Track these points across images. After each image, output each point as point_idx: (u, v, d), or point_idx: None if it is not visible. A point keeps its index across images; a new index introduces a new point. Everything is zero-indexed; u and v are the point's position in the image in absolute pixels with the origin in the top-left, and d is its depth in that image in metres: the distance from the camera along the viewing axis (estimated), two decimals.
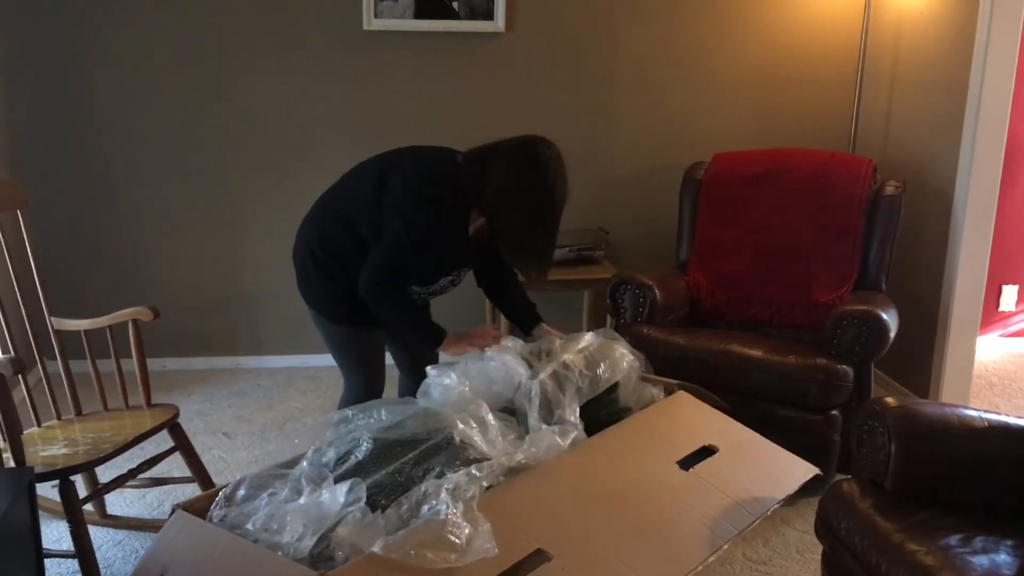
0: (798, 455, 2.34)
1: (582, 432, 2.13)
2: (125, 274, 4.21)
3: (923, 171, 3.84)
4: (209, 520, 1.82)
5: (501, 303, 2.81)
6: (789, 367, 3.04)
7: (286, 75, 4.07)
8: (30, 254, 2.77)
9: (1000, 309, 4.74)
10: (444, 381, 2.17)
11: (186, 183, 4.15)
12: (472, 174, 2.39)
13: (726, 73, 4.28)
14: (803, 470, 2.27)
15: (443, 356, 2.56)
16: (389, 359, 2.85)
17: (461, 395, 2.14)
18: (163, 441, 2.76)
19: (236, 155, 4.15)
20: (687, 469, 2.10)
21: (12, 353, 2.63)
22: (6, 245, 2.71)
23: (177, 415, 2.73)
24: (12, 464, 2.28)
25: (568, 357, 2.26)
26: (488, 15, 4.06)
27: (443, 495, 1.74)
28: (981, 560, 1.89)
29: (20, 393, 2.72)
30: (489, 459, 1.91)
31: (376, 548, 1.62)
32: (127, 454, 2.59)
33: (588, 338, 2.39)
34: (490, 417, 2.04)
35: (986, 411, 2.23)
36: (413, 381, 2.83)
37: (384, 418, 2.02)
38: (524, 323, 2.72)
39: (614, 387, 2.31)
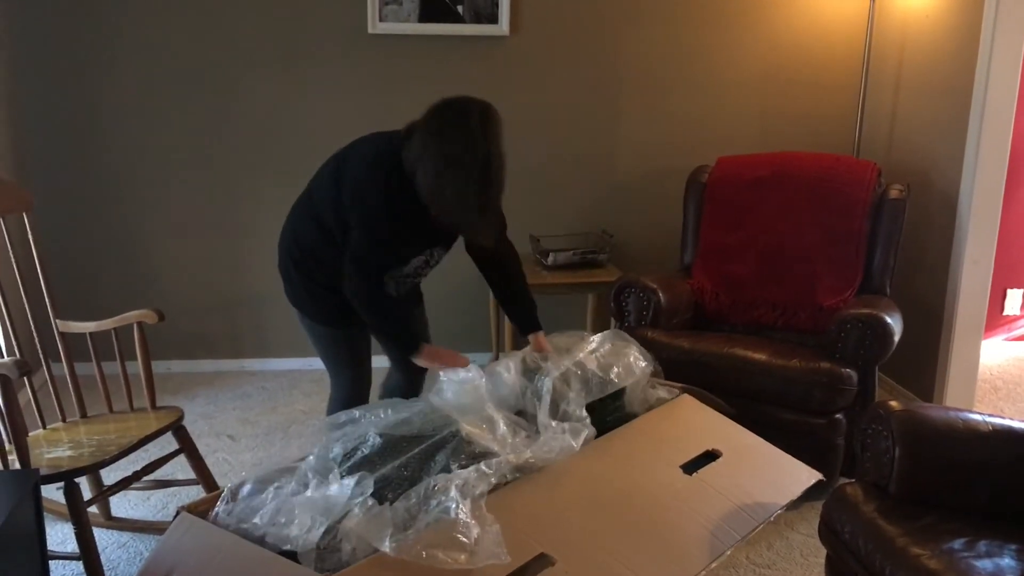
0: (802, 458, 2.34)
1: (592, 429, 2.14)
2: (130, 277, 4.22)
3: (927, 175, 3.84)
4: (214, 516, 1.83)
5: (502, 298, 2.76)
6: (793, 370, 3.04)
7: (291, 79, 4.09)
8: (35, 256, 2.78)
9: (1005, 313, 4.74)
10: (458, 380, 2.18)
11: (191, 186, 4.16)
12: (406, 150, 2.34)
13: (730, 76, 4.28)
14: (806, 475, 2.27)
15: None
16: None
17: (474, 395, 2.15)
18: (168, 443, 2.77)
19: (241, 158, 4.15)
20: (691, 473, 2.10)
21: (17, 355, 2.64)
22: (12, 247, 2.72)
23: (182, 417, 2.74)
24: (17, 466, 2.29)
25: (581, 356, 2.27)
26: (493, 19, 4.06)
27: (452, 491, 1.75)
28: (985, 564, 1.89)
29: (25, 395, 2.72)
30: (497, 455, 1.92)
31: (385, 547, 1.63)
32: (132, 456, 2.59)
33: (599, 339, 2.39)
34: (499, 415, 2.05)
35: (990, 415, 2.23)
36: (402, 375, 2.91)
37: (391, 416, 2.03)
38: (521, 325, 2.69)
39: (621, 391, 2.32)
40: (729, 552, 1.92)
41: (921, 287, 3.88)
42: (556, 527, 1.82)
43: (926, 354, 3.83)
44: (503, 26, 4.07)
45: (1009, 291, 4.69)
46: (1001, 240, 3.67)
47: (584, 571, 1.74)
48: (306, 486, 1.81)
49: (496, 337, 4.28)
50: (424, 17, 4.02)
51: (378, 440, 1.93)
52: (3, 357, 2.78)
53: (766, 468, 2.26)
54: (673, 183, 4.04)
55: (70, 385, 2.79)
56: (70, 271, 4.13)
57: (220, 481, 2.92)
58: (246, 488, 1.86)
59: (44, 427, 2.70)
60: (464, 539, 1.66)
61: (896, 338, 3.06)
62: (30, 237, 2.76)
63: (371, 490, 1.77)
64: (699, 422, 2.37)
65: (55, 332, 2.81)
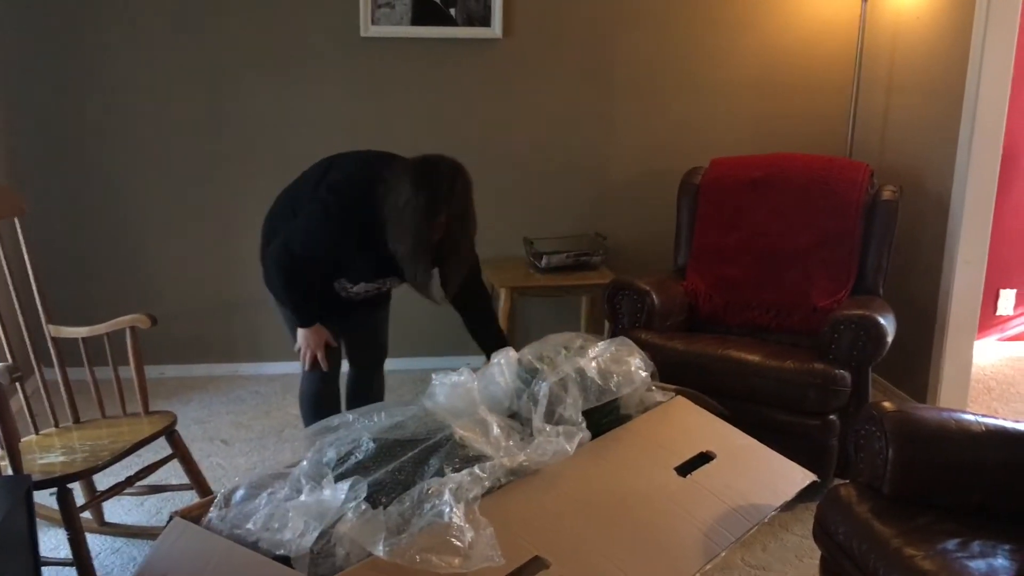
0: (796, 459, 2.34)
1: (587, 432, 2.13)
2: (123, 281, 4.21)
3: (920, 176, 3.85)
4: (207, 522, 1.82)
5: (472, 328, 2.90)
6: (787, 372, 3.04)
7: (284, 82, 4.08)
8: (28, 262, 2.77)
9: (998, 313, 4.75)
10: (450, 383, 2.18)
11: (184, 190, 4.15)
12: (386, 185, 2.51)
13: (723, 78, 4.29)
14: (800, 477, 2.27)
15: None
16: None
17: (467, 398, 2.15)
18: (161, 448, 2.76)
19: (234, 161, 4.15)
20: (685, 475, 2.11)
21: (10, 361, 2.63)
22: (4, 253, 2.71)
23: (175, 422, 2.73)
24: (10, 472, 2.28)
25: (582, 363, 2.26)
26: (485, 21, 4.07)
27: (446, 495, 1.75)
28: (979, 564, 1.89)
29: (18, 401, 2.72)
30: (491, 459, 1.91)
31: (379, 551, 1.63)
32: (125, 461, 2.59)
33: (602, 346, 2.38)
34: (492, 419, 2.05)
35: (984, 415, 2.24)
36: (356, 372, 3.10)
37: (384, 419, 2.03)
38: (484, 340, 2.84)
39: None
40: (723, 554, 1.92)
41: (914, 288, 3.89)
42: (550, 530, 1.82)
43: (920, 355, 3.83)
44: (496, 29, 4.07)
45: (1002, 291, 4.71)
46: (994, 240, 3.68)
47: (578, 574, 1.74)
48: (299, 491, 1.81)
49: None
50: (417, 20, 4.02)
51: (371, 444, 1.93)
52: None
53: (760, 469, 2.26)
54: (666, 185, 4.04)
55: (63, 390, 2.78)
56: (62, 276, 4.12)
57: (214, 486, 2.92)
58: (239, 493, 1.86)
59: (37, 433, 2.69)
60: (458, 543, 1.65)
61: (889, 339, 3.06)
62: (22, 242, 2.75)
63: (365, 494, 1.76)
64: (693, 424, 2.37)
65: (47, 337, 2.80)
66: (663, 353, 3.17)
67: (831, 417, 3.04)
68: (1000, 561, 1.91)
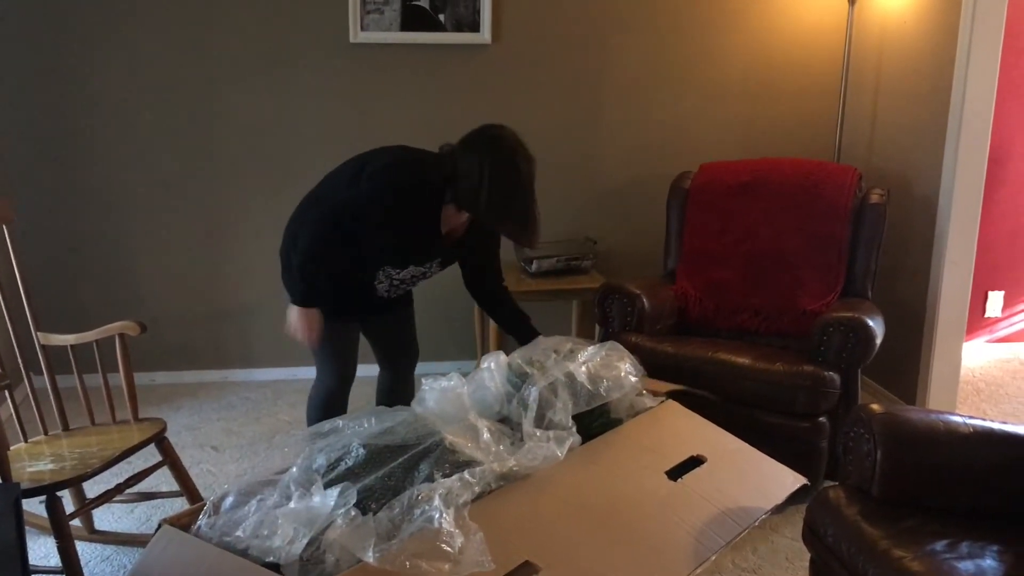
0: (785, 462, 2.35)
1: (578, 438, 2.14)
2: (112, 288, 4.20)
3: (908, 179, 3.87)
4: (196, 529, 1.82)
5: (495, 314, 2.93)
6: (776, 374, 3.05)
7: (273, 88, 4.08)
8: (16, 268, 2.76)
9: (986, 315, 4.77)
10: (440, 389, 2.18)
11: (173, 197, 4.15)
12: (446, 169, 2.49)
13: (712, 83, 4.31)
14: (790, 480, 2.28)
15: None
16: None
17: (457, 403, 2.15)
18: (151, 455, 2.76)
19: (224, 168, 4.14)
20: (675, 479, 2.11)
21: None
22: None
23: (165, 429, 2.73)
24: None
25: (571, 367, 2.26)
26: (474, 27, 4.07)
27: (436, 500, 1.75)
28: (967, 565, 1.90)
29: (7, 409, 2.71)
30: (481, 464, 1.91)
31: (369, 557, 1.62)
32: (115, 469, 2.58)
33: (592, 350, 2.38)
34: (482, 424, 2.05)
35: (972, 417, 2.25)
36: (389, 372, 3.02)
37: (374, 425, 2.03)
38: (520, 336, 2.81)
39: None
40: (714, 557, 1.93)
41: (903, 290, 3.90)
42: (540, 535, 1.82)
43: (908, 357, 3.85)
44: (485, 34, 4.08)
45: (990, 293, 4.73)
46: (981, 242, 3.70)
47: None
48: (289, 498, 1.80)
49: (480, 344, 4.28)
50: (406, 26, 4.02)
51: (361, 451, 1.92)
52: None
53: (750, 473, 2.27)
54: (656, 189, 4.06)
55: (52, 398, 2.77)
56: (51, 283, 4.11)
57: (204, 493, 2.91)
58: (228, 501, 1.86)
59: (26, 440, 2.68)
60: (448, 548, 1.65)
61: (878, 341, 3.08)
62: (10, 249, 2.74)
63: (354, 500, 1.76)
64: (683, 428, 2.37)
65: (36, 345, 2.79)
66: (653, 356, 3.19)
67: (821, 419, 3.05)
68: (988, 562, 1.92)
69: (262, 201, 4.18)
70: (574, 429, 2.15)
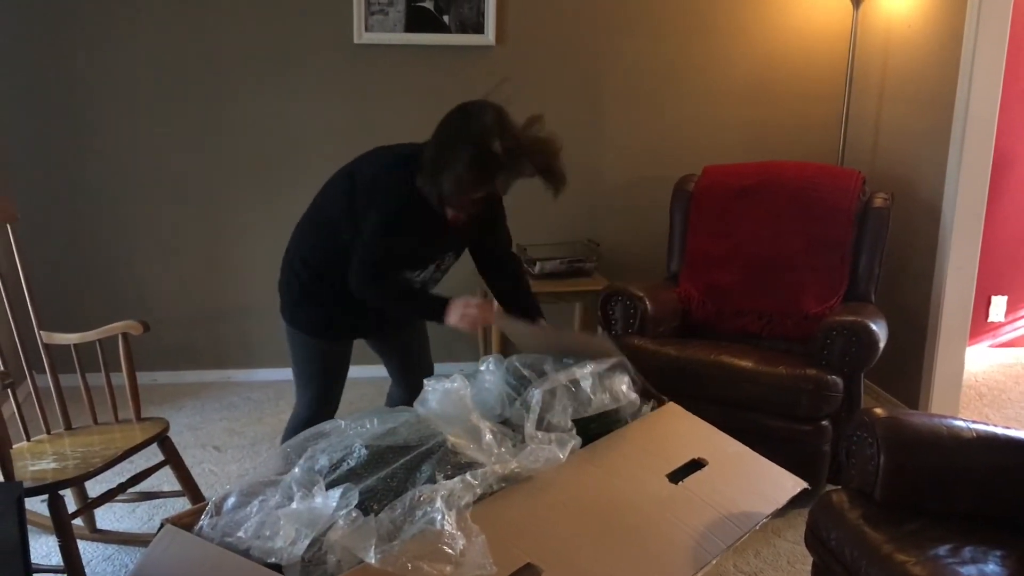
0: (788, 465, 2.34)
1: (578, 440, 2.13)
2: (115, 288, 4.21)
3: (912, 183, 3.86)
4: (199, 530, 1.81)
5: (505, 298, 2.72)
6: (779, 377, 3.05)
7: (277, 89, 4.08)
8: (19, 268, 2.76)
9: (989, 320, 4.77)
10: (442, 390, 2.17)
11: (177, 196, 4.15)
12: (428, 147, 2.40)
13: (716, 86, 4.31)
14: (791, 484, 2.27)
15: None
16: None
17: (459, 404, 2.15)
18: (153, 455, 2.76)
19: (227, 169, 4.15)
20: (677, 482, 2.10)
21: (1, 367, 2.63)
22: None
23: (167, 429, 2.73)
24: (1, 479, 2.27)
25: (577, 374, 2.25)
26: (478, 28, 4.08)
27: (438, 502, 1.74)
28: (970, 570, 1.90)
29: (9, 408, 2.71)
30: (483, 466, 1.91)
31: (371, 558, 1.62)
32: (117, 468, 2.58)
33: (592, 367, 2.36)
34: (484, 425, 2.05)
35: (975, 421, 2.24)
36: (404, 390, 2.88)
37: (376, 426, 2.03)
38: (519, 308, 2.67)
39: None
40: (715, 561, 1.92)
41: (906, 294, 3.90)
42: (542, 537, 1.82)
43: (911, 361, 3.85)
44: (489, 36, 4.08)
45: (994, 298, 4.72)
46: (985, 247, 3.70)
47: None
48: (291, 498, 1.80)
49: (483, 344, 4.28)
50: (410, 27, 4.03)
51: (364, 451, 1.92)
52: None
53: (751, 477, 2.26)
54: (659, 192, 4.05)
55: (54, 397, 2.77)
56: (54, 282, 4.11)
57: (206, 492, 2.91)
58: (230, 501, 1.85)
59: (28, 439, 2.69)
60: (449, 550, 1.65)
61: (881, 345, 3.07)
62: (14, 248, 2.75)
63: (356, 501, 1.76)
64: (685, 431, 2.37)
65: (39, 344, 2.80)
66: (656, 359, 3.19)
67: (823, 423, 3.05)
68: (991, 567, 1.92)
69: (266, 201, 4.19)
70: (574, 431, 2.15)
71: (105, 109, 4.02)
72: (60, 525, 2.37)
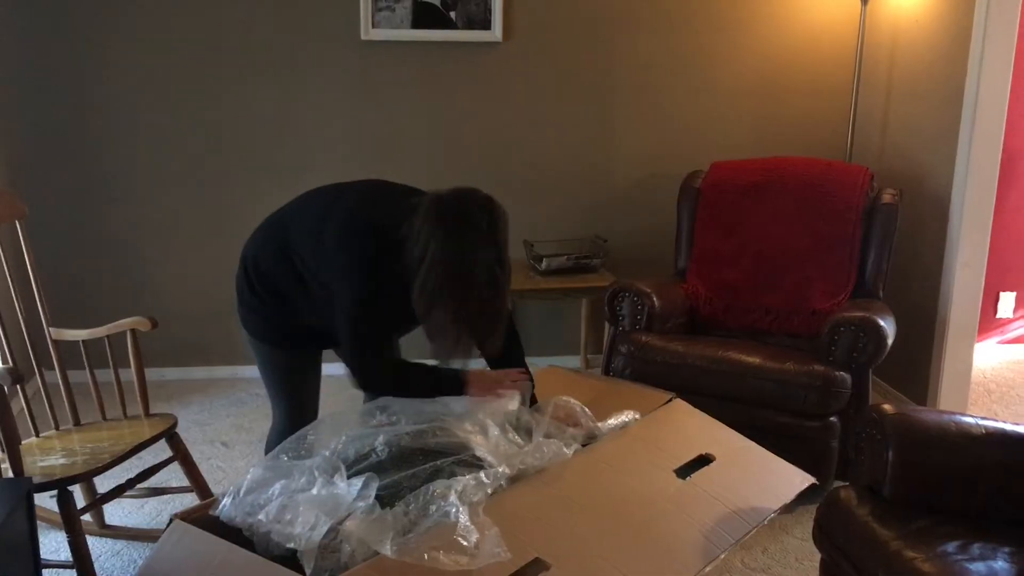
0: (796, 462, 2.34)
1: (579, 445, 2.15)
2: (124, 284, 4.22)
3: (920, 179, 3.85)
4: (221, 509, 1.83)
5: (495, 365, 2.45)
6: (787, 374, 3.04)
7: (284, 85, 4.09)
8: (29, 264, 2.77)
9: (998, 316, 4.75)
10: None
11: (185, 193, 4.16)
12: (404, 228, 2.12)
13: (723, 82, 4.30)
14: (799, 479, 2.27)
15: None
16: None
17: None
18: (161, 451, 2.76)
19: (235, 164, 4.15)
20: (684, 478, 2.11)
21: (10, 363, 2.64)
22: (5, 256, 2.71)
23: (175, 424, 2.73)
24: (10, 474, 2.28)
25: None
26: (486, 25, 4.07)
27: (452, 497, 1.76)
28: (979, 567, 1.89)
29: (18, 403, 2.73)
30: (494, 466, 1.93)
31: (386, 550, 1.64)
32: (125, 464, 2.59)
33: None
34: (491, 421, 2.06)
35: (984, 418, 2.24)
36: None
37: (408, 426, 2.02)
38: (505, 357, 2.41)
39: None
40: (723, 556, 1.92)
41: (914, 291, 3.89)
42: (550, 532, 1.82)
43: (920, 357, 3.84)
44: (496, 32, 4.08)
45: (1002, 294, 4.71)
46: (993, 243, 3.69)
47: (578, 575, 1.74)
48: (312, 484, 1.83)
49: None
50: (417, 23, 4.03)
51: (391, 449, 1.94)
52: None
53: (759, 472, 2.27)
54: (667, 188, 4.05)
55: (63, 393, 2.78)
56: (63, 279, 4.12)
57: (214, 488, 2.92)
58: (253, 478, 1.88)
59: (37, 435, 2.70)
60: (464, 542, 1.67)
61: (889, 341, 3.07)
62: (23, 244, 2.76)
63: (375, 493, 1.78)
64: (692, 426, 2.37)
65: (48, 340, 2.81)
66: (664, 355, 3.18)
67: (831, 419, 3.04)
68: (1000, 564, 1.91)
69: (272, 198, 4.17)
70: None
71: (113, 106, 4.03)
72: (69, 520, 2.38)
